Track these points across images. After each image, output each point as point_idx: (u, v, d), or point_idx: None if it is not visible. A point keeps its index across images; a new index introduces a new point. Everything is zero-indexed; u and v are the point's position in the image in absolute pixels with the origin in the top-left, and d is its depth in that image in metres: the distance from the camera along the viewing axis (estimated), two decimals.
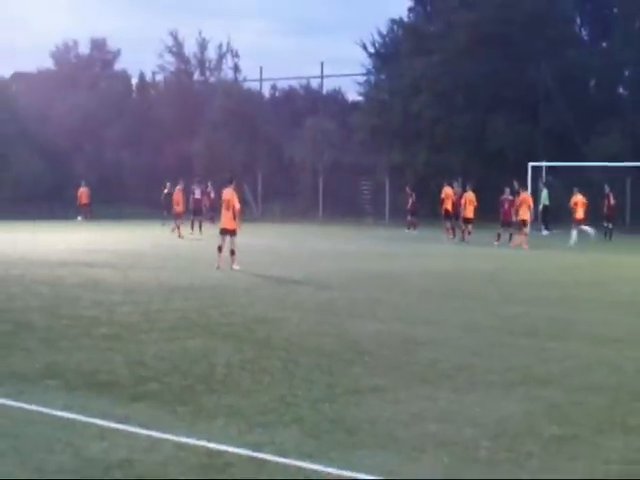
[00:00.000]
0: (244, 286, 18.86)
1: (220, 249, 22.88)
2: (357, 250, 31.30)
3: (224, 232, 23.27)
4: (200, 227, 39.74)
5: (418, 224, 44.24)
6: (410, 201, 45.53)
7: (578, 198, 37.40)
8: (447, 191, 38.72)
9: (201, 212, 42.06)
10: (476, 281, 21.14)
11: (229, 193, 23.50)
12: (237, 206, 23.31)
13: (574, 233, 36.09)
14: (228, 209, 23.21)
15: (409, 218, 45.30)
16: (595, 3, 61.04)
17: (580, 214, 37.05)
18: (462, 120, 55.59)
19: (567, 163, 47.18)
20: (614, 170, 48.20)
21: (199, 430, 7.64)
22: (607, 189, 41.26)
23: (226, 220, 23.32)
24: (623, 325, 14.14)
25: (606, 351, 11.69)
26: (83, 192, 52.21)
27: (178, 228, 36.94)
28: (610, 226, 40.35)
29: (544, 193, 45.53)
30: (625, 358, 11.17)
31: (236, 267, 22.39)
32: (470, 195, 37.20)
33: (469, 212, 36.92)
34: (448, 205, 38.02)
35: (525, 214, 35.27)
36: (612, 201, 40.81)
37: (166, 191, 44.55)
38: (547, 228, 43.92)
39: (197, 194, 42.46)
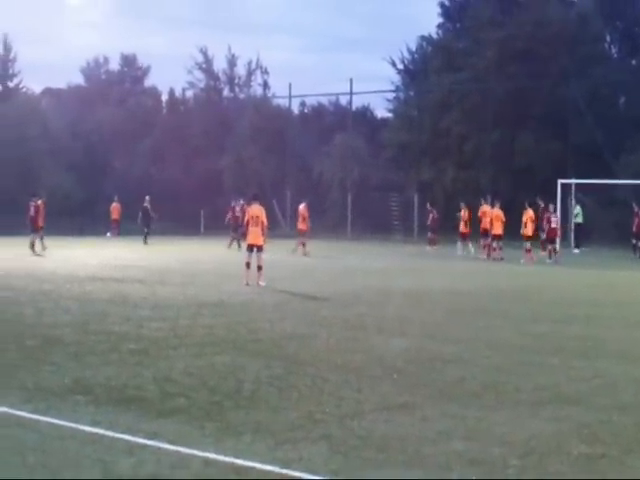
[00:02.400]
0: (272, 302, 18.89)
1: (248, 265, 22.88)
2: (385, 267, 31.27)
3: (251, 248, 23.28)
4: (239, 244, 39.78)
5: (438, 241, 44.11)
6: (431, 217, 45.33)
7: (529, 214, 37.26)
8: (484, 209, 38.45)
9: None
10: (504, 299, 21.06)
11: (257, 209, 23.60)
12: (265, 222, 23.42)
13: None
14: (257, 225, 23.26)
15: (429, 235, 45.14)
16: (625, 21, 60.87)
17: (530, 230, 36.75)
18: (491, 137, 55.51)
19: (596, 180, 46.91)
20: None
21: (227, 446, 7.64)
22: (636, 207, 40.99)
23: (254, 236, 23.33)
24: None
25: (634, 370, 11.61)
26: (115, 207, 52.45)
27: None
28: (636, 242, 40.25)
29: (577, 210, 45.25)
30: None
31: (262, 283, 22.37)
32: (498, 212, 37.18)
33: (497, 228, 36.89)
34: (486, 224, 37.72)
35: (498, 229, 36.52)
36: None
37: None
38: (577, 246, 43.67)
39: (237, 211, 42.66)
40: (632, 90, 56.89)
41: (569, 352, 12.97)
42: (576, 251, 43.00)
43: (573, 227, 45.23)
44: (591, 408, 9.36)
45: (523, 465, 7.26)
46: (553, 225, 37.49)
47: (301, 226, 38.79)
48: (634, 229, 40.70)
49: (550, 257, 36.39)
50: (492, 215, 37.26)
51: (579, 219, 44.95)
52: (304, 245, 37.45)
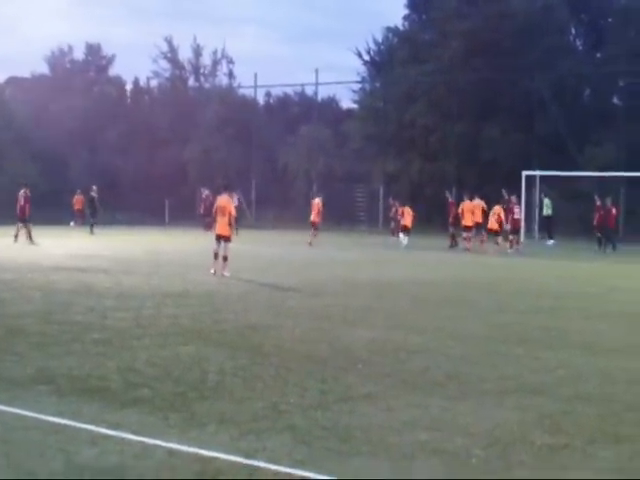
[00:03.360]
0: (237, 292, 18.85)
1: (216, 255, 23.06)
2: (351, 258, 31.31)
3: (219, 238, 23.37)
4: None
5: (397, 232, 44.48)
6: (393, 210, 45.50)
7: (474, 205, 38.37)
8: (497, 209, 38.46)
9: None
10: (470, 289, 21.14)
11: (225, 199, 23.76)
12: (233, 212, 23.53)
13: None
14: (224, 215, 23.37)
15: (393, 225, 45.39)
16: (590, 13, 61.19)
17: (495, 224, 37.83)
18: (456, 128, 55.68)
19: (561, 173, 47.18)
20: (608, 180, 48.23)
21: (191, 437, 7.62)
22: (598, 200, 41.41)
23: (221, 226, 23.44)
24: (615, 335, 14.14)
25: (598, 361, 11.69)
26: (78, 199, 52.15)
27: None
28: (600, 236, 40.75)
29: (546, 202, 45.52)
30: (617, 368, 11.17)
31: (226, 274, 22.45)
32: (469, 204, 37.60)
33: (468, 220, 37.27)
34: (493, 225, 38.00)
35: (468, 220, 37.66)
36: (613, 211, 40.69)
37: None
38: (551, 238, 44.01)
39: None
40: (597, 82, 57.25)
41: (534, 343, 13.04)
42: (550, 242, 43.32)
43: (540, 219, 45.61)
44: (554, 398, 9.42)
45: (486, 455, 7.29)
46: (516, 216, 37.99)
47: (315, 218, 39.19)
48: (595, 222, 41.08)
49: (511, 247, 36.70)
50: (463, 208, 37.98)
51: (549, 211, 45.23)
52: (315, 236, 38.18)
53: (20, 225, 35.31)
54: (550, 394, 9.62)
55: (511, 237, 37.43)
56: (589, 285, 23.47)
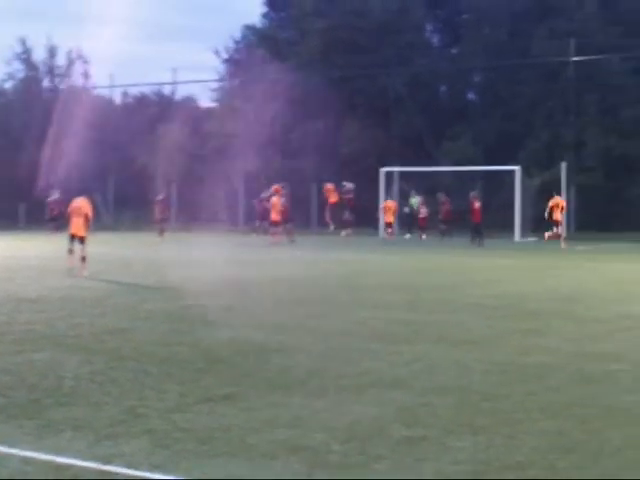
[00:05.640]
0: (94, 296, 18.50)
1: (71, 251, 23.07)
2: (211, 257, 31.11)
3: (73, 237, 23.37)
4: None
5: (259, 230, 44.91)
6: (261, 207, 45.75)
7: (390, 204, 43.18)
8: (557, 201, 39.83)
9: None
10: (330, 286, 21.28)
11: (82, 200, 23.75)
12: (90, 214, 23.38)
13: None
14: (79, 216, 23.29)
15: (258, 224, 45.70)
16: (445, 10, 62.41)
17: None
18: (316, 126, 56.03)
19: (418, 168, 48.01)
20: (465, 174, 49.34)
21: (46, 444, 7.44)
22: (442, 197, 43.21)
23: (76, 226, 23.33)
24: (471, 327, 14.41)
25: (455, 353, 11.89)
26: None
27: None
28: (446, 229, 42.61)
29: (415, 200, 46.30)
30: (473, 359, 11.37)
31: (85, 274, 22.33)
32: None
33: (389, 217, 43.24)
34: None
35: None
36: (477, 205, 41.52)
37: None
38: (410, 232, 44.96)
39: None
40: (452, 79, 58.48)
41: (391, 337, 13.19)
42: (407, 236, 44.21)
43: (407, 213, 46.96)
44: (412, 391, 9.53)
45: (345, 450, 7.33)
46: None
47: (275, 217, 39.76)
48: (442, 216, 42.99)
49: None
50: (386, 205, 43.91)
51: (415, 207, 46.18)
52: (279, 234, 39.43)
53: None
54: (407, 387, 9.73)
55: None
56: (448, 278, 23.91)
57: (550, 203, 39.97)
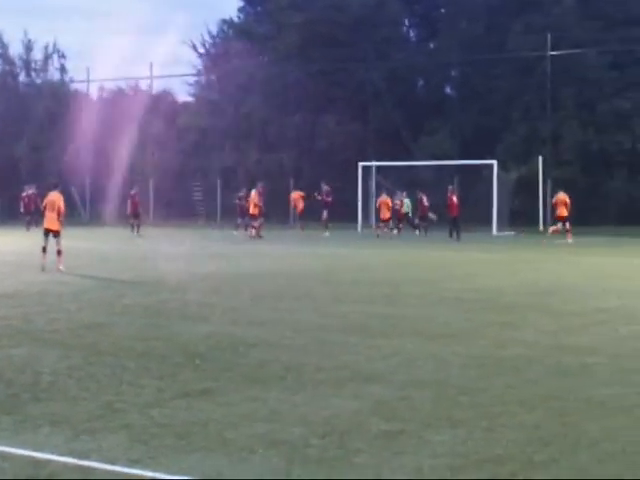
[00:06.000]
0: (71, 291, 18.43)
1: (44, 249, 22.82)
2: (188, 252, 31.06)
3: (48, 232, 23.22)
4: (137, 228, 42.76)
5: (241, 227, 44.86)
6: (240, 205, 45.66)
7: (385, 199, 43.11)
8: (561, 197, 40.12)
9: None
10: (308, 281, 21.25)
11: (55, 195, 23.59)
12: (62, 208, 23.26)
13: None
14: (53, 210, 23.20)
15: (240, 221, 45.48)
16: (423, 4, 62.49)
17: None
18: (293, 120, 56.02)
19: (395, 163, 48.05)
20: (443, 169, 49.43)
21: (24, 440, 7.42)
22: (420, 193, 44.08)
23: (50, 221, 23.28)
24: (450, 321, 14.42)
25: (432, 346, 11.91)
26: None
27: None
28: (425, 222, 43.22)
29: (406, 202, 46.24)
30: (451, 353, 11.39)
31: (62, 268, 22.26)
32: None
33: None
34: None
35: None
36: (454, 199, 41.65)
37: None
38: (398, 228, 45.05)
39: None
40: (430, 73, 58.54)
41: (369, 331, 13.20)
42: (395, 232, 44.30)
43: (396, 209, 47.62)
44: (390, 385, 9.54)
45: (323, 444, 7.33)
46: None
47: (254, 210, 39.96)
48: (419, 213, 43.72)
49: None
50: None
51: (406, 209, 45.99)
52: (256, 228, 39.48)
53: None
54: (385, 381, 9.74)
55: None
56: (426, 272, 23.95)
57: (554, 200, 40.74)
